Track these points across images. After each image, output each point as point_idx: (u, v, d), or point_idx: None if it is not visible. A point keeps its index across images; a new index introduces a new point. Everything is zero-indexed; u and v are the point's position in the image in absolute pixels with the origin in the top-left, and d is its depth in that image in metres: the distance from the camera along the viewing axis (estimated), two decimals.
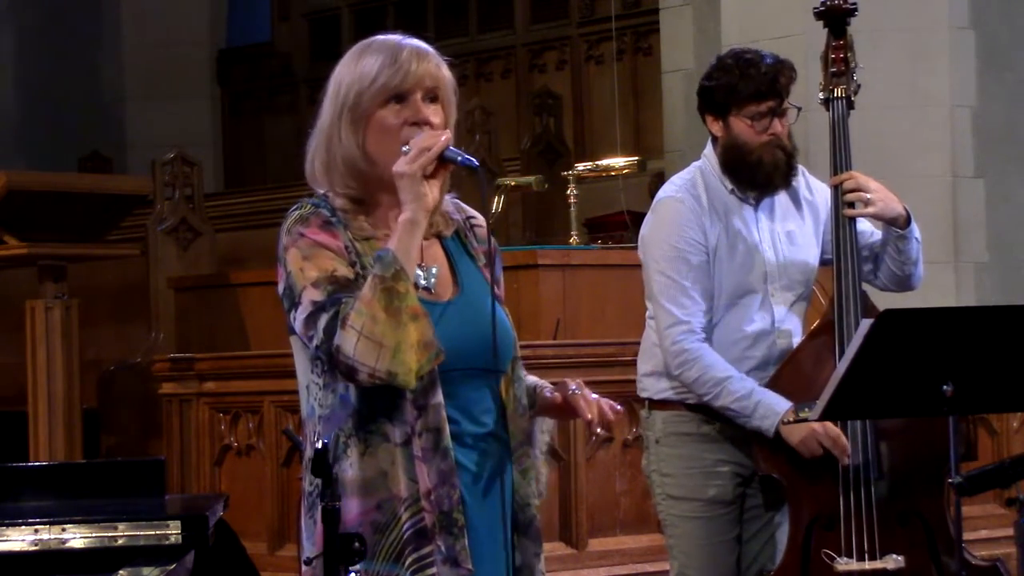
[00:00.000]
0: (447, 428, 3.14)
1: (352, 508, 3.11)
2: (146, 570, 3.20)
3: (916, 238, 4.52)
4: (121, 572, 3.19)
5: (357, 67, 3.19)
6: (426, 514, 3.12)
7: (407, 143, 3.14)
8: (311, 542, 3.16)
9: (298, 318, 3.12)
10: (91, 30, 13.74)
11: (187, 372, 6.80)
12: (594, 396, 3.22)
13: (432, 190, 3.13)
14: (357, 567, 2.98)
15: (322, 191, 3.23)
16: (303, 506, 3.21)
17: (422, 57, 3.18)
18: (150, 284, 8.95)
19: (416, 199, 3.10)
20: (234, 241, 9.77)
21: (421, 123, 3.16)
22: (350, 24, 13.63)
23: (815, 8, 4.61)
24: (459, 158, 3.13)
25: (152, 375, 7.06)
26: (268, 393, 6.52)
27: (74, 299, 7.56)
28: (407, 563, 3.12)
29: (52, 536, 3.25)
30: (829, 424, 4.31)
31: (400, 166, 3.11)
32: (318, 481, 3.02)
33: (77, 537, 3.25)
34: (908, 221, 4.50)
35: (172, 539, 3.25)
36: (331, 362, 3.08)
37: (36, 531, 3.25)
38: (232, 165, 13.95)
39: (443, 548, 3.12)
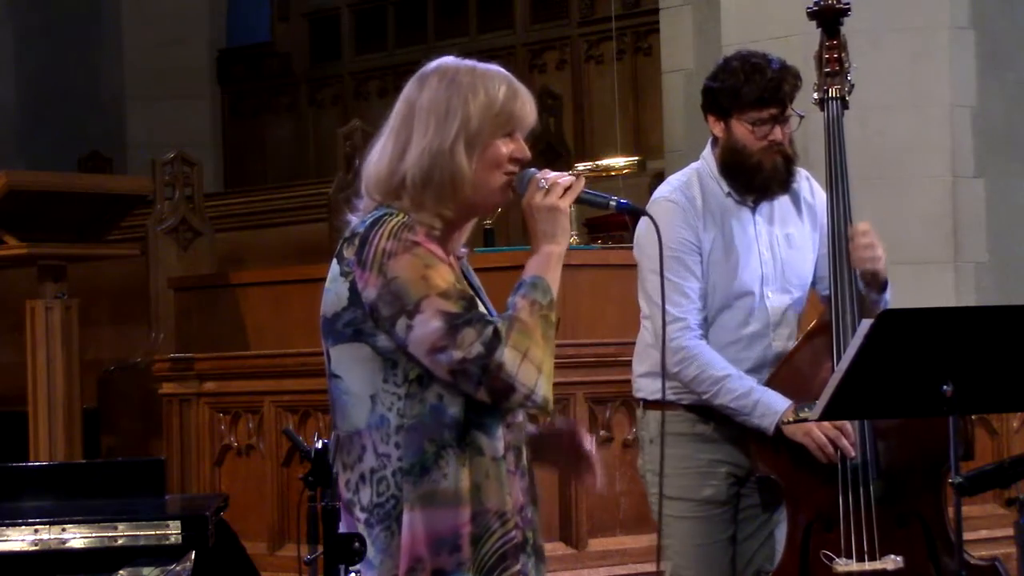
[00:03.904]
0: (525, 448, 3.21)
1: (447, 519, 3.09)
2: (146, 570, 3.20)
3: (886, 300, 4.51)
4: (121, 572, 3.19)
5: (477, 90, 3.17)
6: (517, 531, 3.15)
7: (512, 175, 3.19)
8: (387, 555, 3.09)
9: (418, 327, 3.04)
10: (91, 30, 13.74)
11: (187, 372, 6.80)
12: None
13: None
14: (357, 567, 2.97)
15: (397, 208, 3.14)
16: (363, 518, 3.12)
17: (532, 99, 3.28)
18: (150, 284, 8.95)
19: (565, 233, 3.19)
20: (234, 241, 9.77)
21: (524, 161, 3.21)
22: (350, 24, 13.64)
23: (808, 8, 4.60)
24: (612, 201, 3.28)
25: (152, 375, 7.05)
26: (268, 393, 6.52)
27: (74, 299, 7.54)
28: None
29: (52, 536, 3.25)
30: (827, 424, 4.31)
31: (551, 200, 3.18)
32: (393, 492, 3.06)
33: (77, 537, 3.25)
34: (885, 286, 4.50)
35: (172, 539, 3.26)
36: (484, 377, 3.03)
37: (36, 531, 3.26)
38: (232, 165, 13.95)
39: (524, 567, 3.16)
